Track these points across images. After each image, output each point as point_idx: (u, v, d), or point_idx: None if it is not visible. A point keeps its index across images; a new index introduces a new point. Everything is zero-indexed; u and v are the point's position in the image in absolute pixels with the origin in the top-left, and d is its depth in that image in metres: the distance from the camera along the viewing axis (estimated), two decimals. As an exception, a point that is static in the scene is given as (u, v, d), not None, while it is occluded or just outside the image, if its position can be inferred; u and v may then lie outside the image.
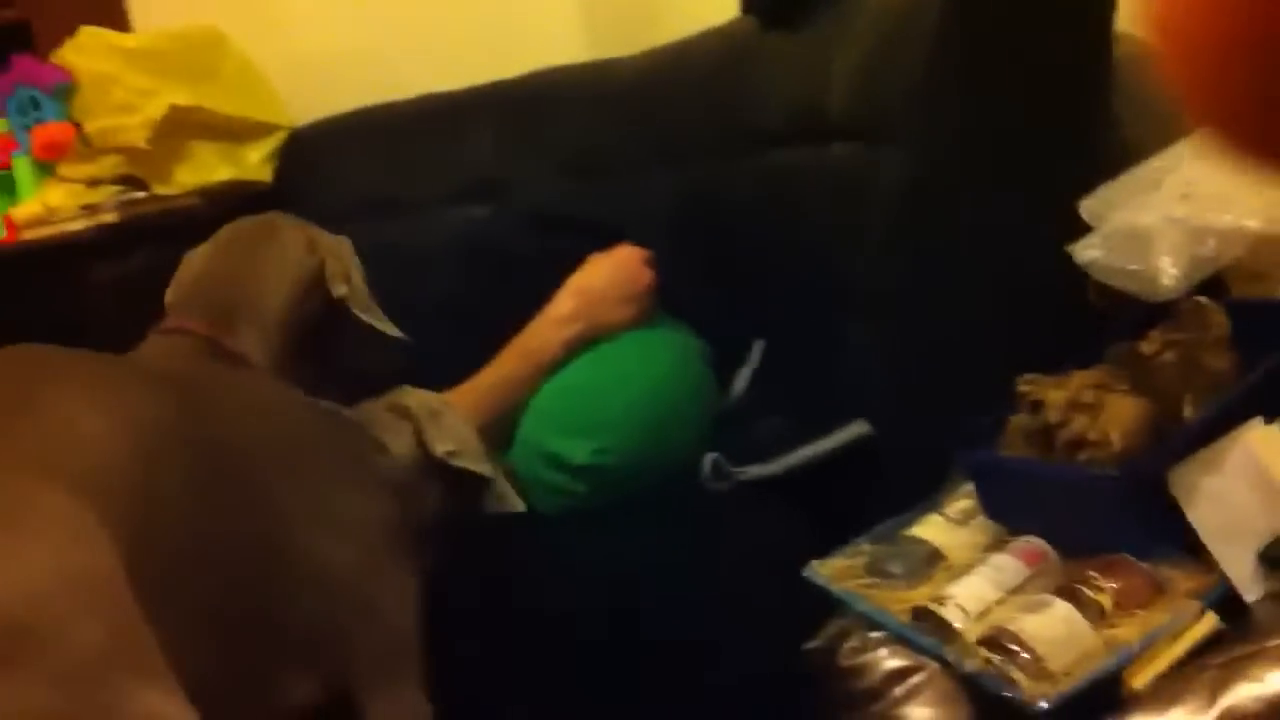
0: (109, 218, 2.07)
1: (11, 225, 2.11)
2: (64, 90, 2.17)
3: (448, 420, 1.56)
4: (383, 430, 1.54)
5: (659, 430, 1.69)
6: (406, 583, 1.37)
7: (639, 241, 1.79)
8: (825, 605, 1.37)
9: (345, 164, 2.13)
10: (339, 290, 1.48)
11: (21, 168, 2.17)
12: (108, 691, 0.90)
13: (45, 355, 1.16)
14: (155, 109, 2.12)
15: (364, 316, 1.49)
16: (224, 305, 1.42)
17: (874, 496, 1.48)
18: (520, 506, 1.62)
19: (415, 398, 1.56)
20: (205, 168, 2.20)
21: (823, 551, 1.42)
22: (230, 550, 1.16)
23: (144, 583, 0.97)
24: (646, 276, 1.79)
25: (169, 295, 1.47)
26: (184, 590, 1.07)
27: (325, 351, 1.48)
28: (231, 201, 2.14)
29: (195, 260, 1.50)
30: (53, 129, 2.14)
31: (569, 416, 1.70)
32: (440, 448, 1.55)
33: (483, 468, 1.59)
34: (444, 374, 1.70)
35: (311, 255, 1.49)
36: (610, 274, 1.79)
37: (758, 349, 1.77)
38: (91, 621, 0.91)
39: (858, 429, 1.56)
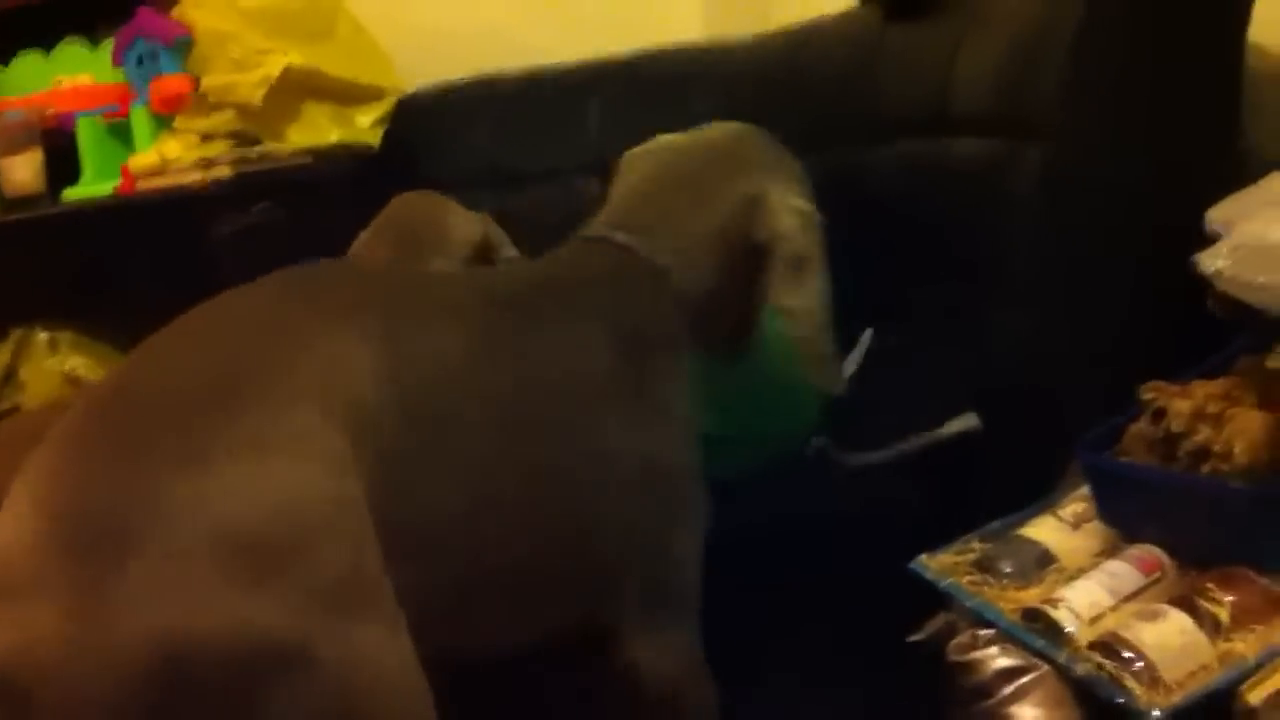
0: (224, 172, 2.09)
1: (128, 174, 2.15)
2: (183, 44, 2.19)
3: None
4: None
5: (767, 400, 1.70)
6: (696, 531, 1.33)
7: None
8: (929, 599, 1.37)
9: (459, 132, 2.13)
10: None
11: (139, 118, 2.20)
12: (338, 619, 0.92)
13: (320, 282, 1.16)
14: (272, 68, 2.14)
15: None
16: (650, 218, 1.39)
17: (982, 491, 1.48)
18: None
19: None
20: (316, 128, 2.22)
21: (925, 544, 1.42)
22: (520, 499, 1.15)
23: (395, 523, 1.00)
24: None
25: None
26: (448, 538, 1.08)
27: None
28: (342, 163, 2.17)
29: (638, 166, 1.46)
30: (172, 81, 2.17)
31: None
32: None
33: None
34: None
35: (749, 207, 1.40)
36: None
37: (866, 336, 1.77)
38: (335, 549, 0.94)
39: (968, 421, 1.56)
